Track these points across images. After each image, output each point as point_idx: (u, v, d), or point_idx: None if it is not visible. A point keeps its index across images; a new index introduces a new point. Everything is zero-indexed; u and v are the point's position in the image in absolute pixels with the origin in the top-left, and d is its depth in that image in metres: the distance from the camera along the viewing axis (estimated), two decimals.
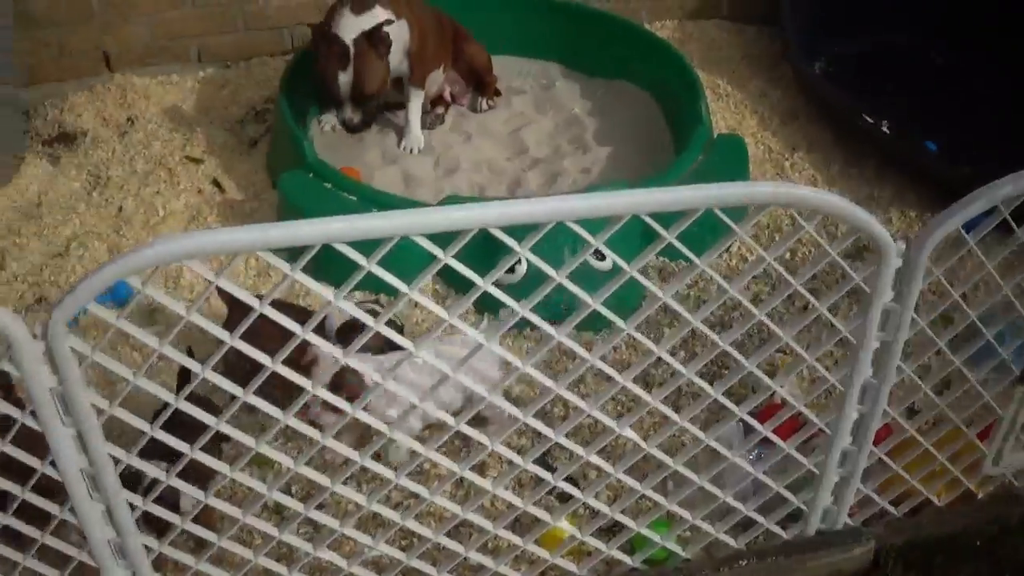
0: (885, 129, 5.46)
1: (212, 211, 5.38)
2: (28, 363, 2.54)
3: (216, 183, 5.59)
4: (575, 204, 2.63)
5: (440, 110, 6.10)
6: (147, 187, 5.53)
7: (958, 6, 6.22)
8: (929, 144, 5.50)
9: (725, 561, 3.55)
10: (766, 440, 3.31)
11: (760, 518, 3.47)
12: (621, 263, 2.72)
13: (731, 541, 3.52)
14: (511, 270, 4.38)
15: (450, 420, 2.97)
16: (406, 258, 2.72)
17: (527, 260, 2.58)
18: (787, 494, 3.43)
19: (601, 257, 4.45)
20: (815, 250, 4.97)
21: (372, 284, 2.74)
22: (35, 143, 5.91)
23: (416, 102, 5.78)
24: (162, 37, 6.40)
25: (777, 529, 3.54)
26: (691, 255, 2.74)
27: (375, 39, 5.31)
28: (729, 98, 6.23)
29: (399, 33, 5.46)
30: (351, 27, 5.30)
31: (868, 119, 5.51)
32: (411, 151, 5.77)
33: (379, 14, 5.35)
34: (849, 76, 5.94)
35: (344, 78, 5.33)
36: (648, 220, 2.62)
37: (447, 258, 2.55)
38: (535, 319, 2.73)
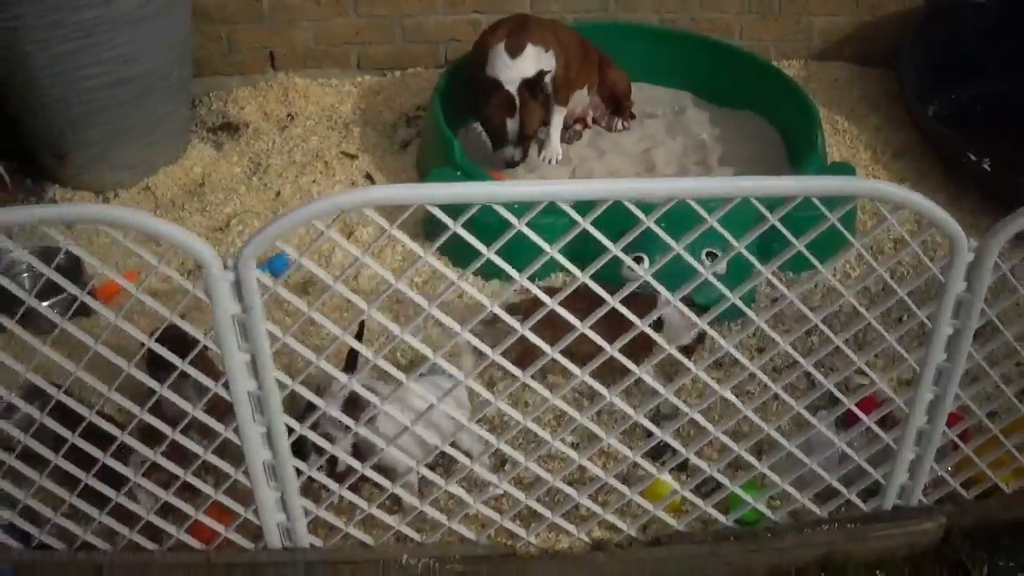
0: (987, 166, 5.73)
1: None
2: (217, 291, 2.96)
3: (369, 176, 5.92)
4: (690, 184, 3.11)
5: (578, 127, 6.42)
6: (304, 176, 5.92)
7: None
8: None
9: (808, 525, 3.84)
10: (854, 422, 3.66)
11: (842, 488, 3.78)
12: (730, 238, 3.11)
13: (815, 508, 3.83)
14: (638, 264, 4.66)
15: (577, 370, 3.33)
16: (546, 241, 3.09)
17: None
18: (867, 467, 3.74)
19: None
20: (910, 265, 5.15)
21: (515, 249, 3.13)
22: (200, 130, 6.37)
23: (558, 118, 6.07)
24: (325, 42, 6.77)
25: (857, 500, 3.84)
26: (791, 236, 3.11)
27: (536, 89, 5.59)
28: (846, 133, 6.46)
29: (547, 63, 5.71)
30: (511, 73, 5.56)
31: (972, 157, 5.78)
32: (549, 161, 6.10)
33: (531, 55, 5.61)
34: (958, 118, 6.25)
35: (512, 124, 5.60)
36: (755, 203, 3.01)
37: (585, 223, 2.97)
38: (654, 283, 3.13)
